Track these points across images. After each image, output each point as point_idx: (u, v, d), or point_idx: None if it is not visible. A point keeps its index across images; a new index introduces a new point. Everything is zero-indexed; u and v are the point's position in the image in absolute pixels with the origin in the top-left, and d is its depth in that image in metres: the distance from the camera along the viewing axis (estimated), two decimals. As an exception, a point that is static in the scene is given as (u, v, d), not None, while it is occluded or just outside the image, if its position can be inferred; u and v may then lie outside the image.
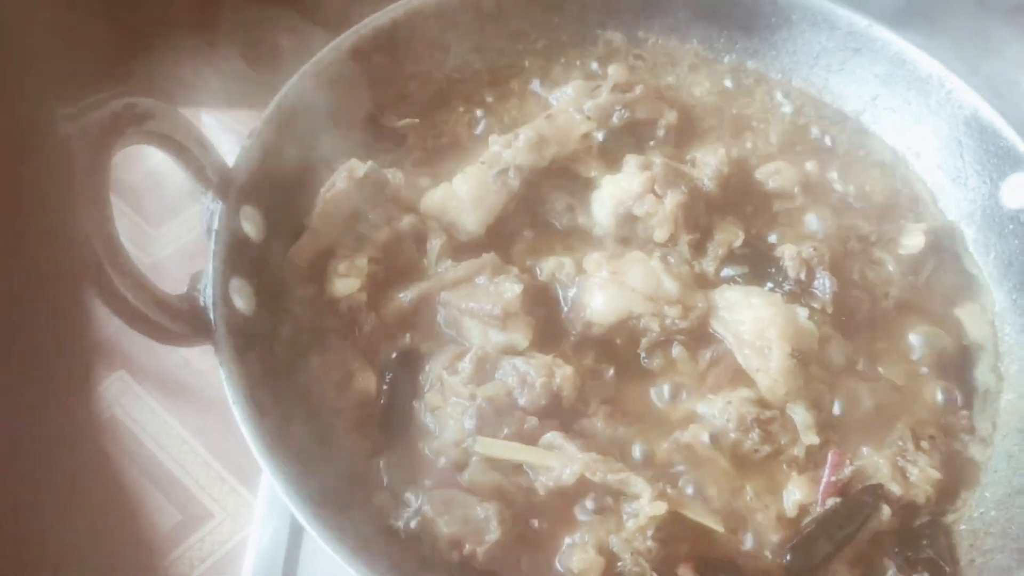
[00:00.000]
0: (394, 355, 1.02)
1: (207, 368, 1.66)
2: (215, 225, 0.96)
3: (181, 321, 0.88)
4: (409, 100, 1.21)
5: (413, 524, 0.92)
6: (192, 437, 1.83)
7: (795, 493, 0.95)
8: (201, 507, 1.76)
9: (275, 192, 1.04)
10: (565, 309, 1.06)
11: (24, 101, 0.33)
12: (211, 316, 0.91)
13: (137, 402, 1.77)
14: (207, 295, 0.92)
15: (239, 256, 0.97)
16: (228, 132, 1.79)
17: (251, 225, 1.00)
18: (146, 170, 1.97)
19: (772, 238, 1.14)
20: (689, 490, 0.95)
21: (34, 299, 0.35)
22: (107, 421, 0.39)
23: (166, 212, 2.07)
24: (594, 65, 1.30)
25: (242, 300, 0.96)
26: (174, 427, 1.83)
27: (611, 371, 1.03)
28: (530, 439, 0.95)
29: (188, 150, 0.94)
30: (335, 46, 1.13)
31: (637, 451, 0.98)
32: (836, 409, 1.01)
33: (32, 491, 0.35)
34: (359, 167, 1.07)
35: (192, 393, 1.89)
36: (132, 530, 0.44)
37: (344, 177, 1.06)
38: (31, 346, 0.35)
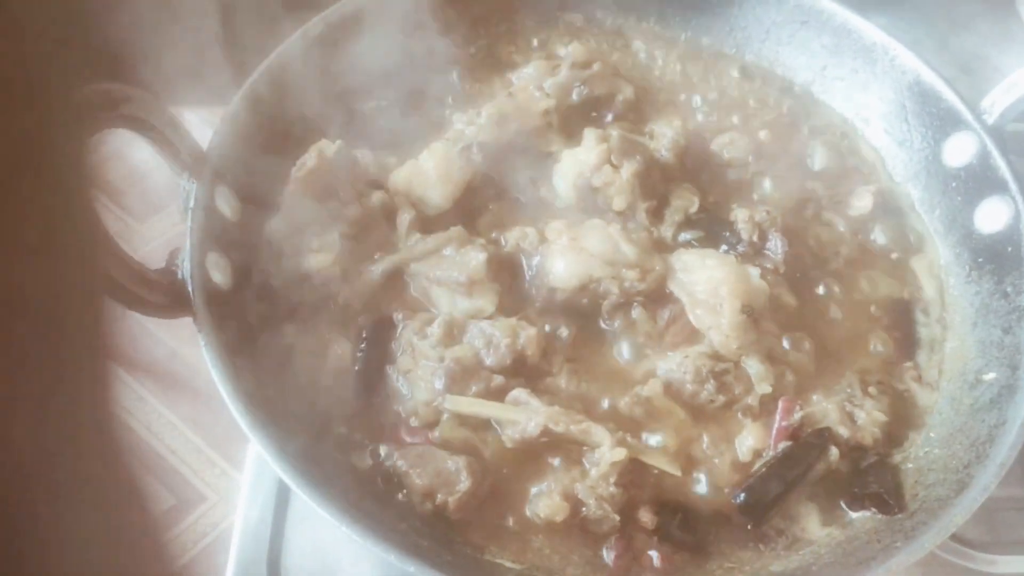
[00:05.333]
0: (367, 324, 1.07)
1: (194, 358, 1.70)
2: (191, 204, 1.01)
3: (160, 293, 0.93)
4: (377, 83, 1.25)
5: (389, 478, 0.97)
6: (183, 424, 1.88)
7: (749, 439, 1.00)
8: (194, 491, 1.81)
9: (248, 172, 1.09)
10: (529, 276, 1.11)
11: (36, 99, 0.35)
12: (189, 289, 0.96)
13: (127, 391, 1.82)
14: (185, 269, 0.97)
15: (215, 233, 1.02)
16: (210, 127, 1.84)
17: (226, 204, 1.05)
18: (130, 166, 2.01)
19: (727, 204, 1.19)
20: (649, 440, 1.01)
21: (49, 295, 0.36)
22: (118, 420, 0.42)
23: (151, 207, 2.11)
24: (555, 46, 1.35)
25: (219, 274, 1.01)
26: (164, 415, 1.87)
27: (574, 332, 1.08)
28: (497, 396, 1.00)
29: (162, 133, 0.98)
30: (303, 32, 1.18)
31: (600, 405, 1.03)
32: (788, 360, 1.06)
33: (42, 489, 0.36)
34: (329, 147, 1.12)
35: (181, 383, 1.93)
36: (138, 520, 0.46)
37: (314, 156, 1.11)
38: (44, 343, 0.36)
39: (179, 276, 0.97)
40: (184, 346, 1.81)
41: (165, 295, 0.94)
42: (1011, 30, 1.72)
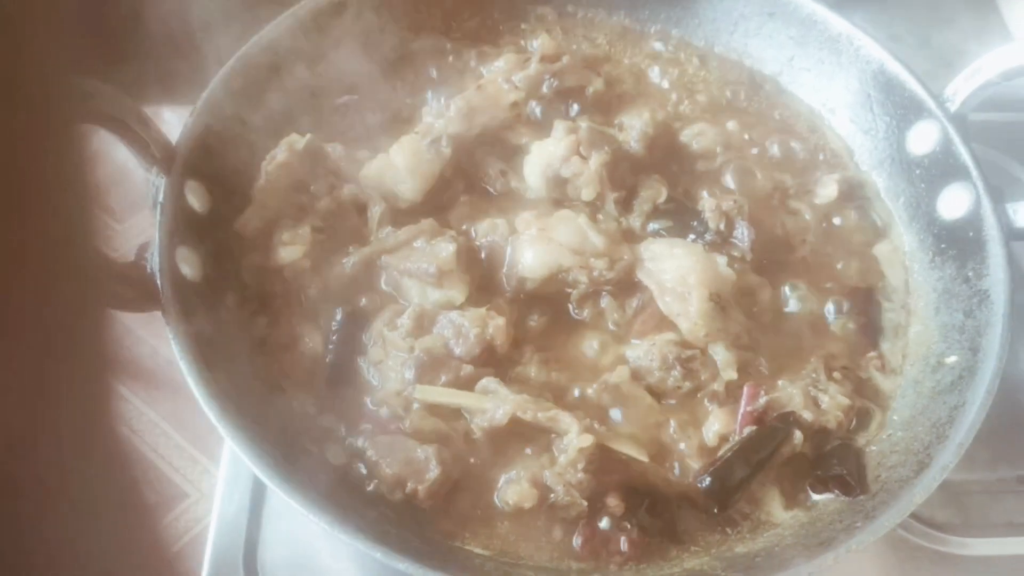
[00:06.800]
0: (338, 316, 1.08)
1: (175, 356, 1.71)
2: (160, 199, 1.02)
3: (128, 286, 0.94)
4: (347, 78, 1.26)
5: (359, 468, 0.98)
6: (165, 422, 1.88)
7: (715, 424, 1.02)
8: (175, 488, 1.81)
9: (218, 166, 1.09)
10: (500, 266, 1.12)
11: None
12: (158, 282, 0.97)
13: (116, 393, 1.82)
14: (153, 262, 0.97)
15: (185, 227, 1.02)
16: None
17: (195, 198, 1.06)
18: (110, 167, 2.01)
19: (696, 194, 1.21)
20: (616, 426, 1.02)
21: (54, 296, 0.36)
22: (120, 426, 0.43)
23: (131, 207, 2.11)
24: (525, 40, 1.36)
25: (189, 268, 1.02)
26: (146, 413, 1.88)
27: (544, 321, 1.09)
28: (466, 385, 1.01)
29: (130, 128, 0.99)
30: (274, 26, 1.18)
31: (570, 394, 1.04)
32: (754, 347, 1.08)
33: (43, 493, 0.37)
34: (299, 140, 1.12)
35: (162, 381, 1.94)
36: (139, 526, 0.47)
37: (284, 150, 1.11)
38: (49, 342, 0.36)
39: (148, 270, 0.98)
40: (165, 344, 1.82)
41: (133, 288, 0.95)
42: (991, 25, 1.74)
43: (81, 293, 0.39)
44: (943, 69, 1.40)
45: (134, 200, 2.07)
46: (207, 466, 1.85)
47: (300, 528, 1.15)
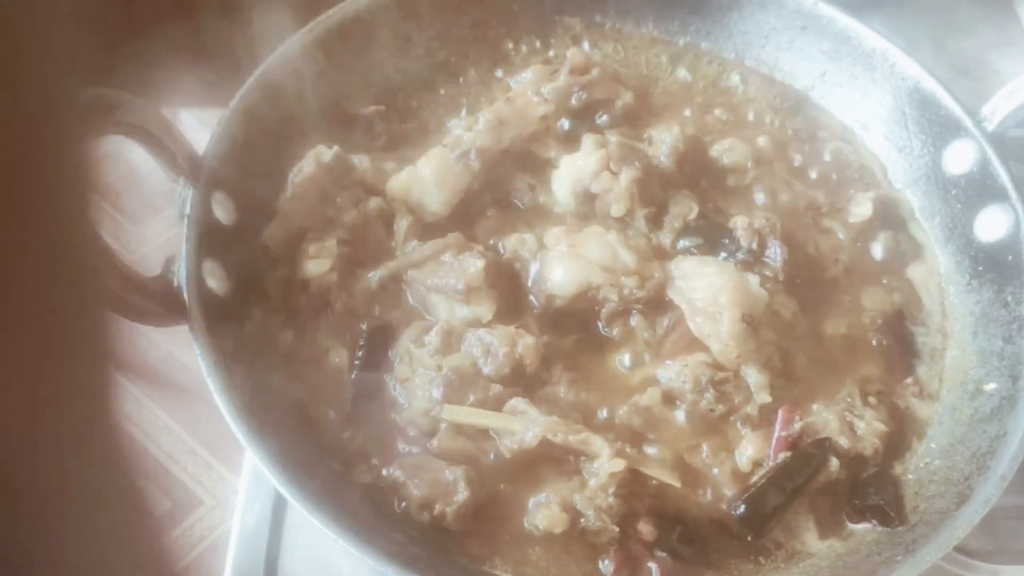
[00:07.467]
0: (364, 332, 1.06)
1: (190, 361, 1.69)
2: (187, 211, 1.00)
3: (155, 301, 0.92)
4: (374, 88, 1.25)
5: (386, 488, 0.96)
6: (179, 427, 1.86)
7: (748, 449, 1.00)
8: (190, 495, 1.80)
9: (245, 178, 1.08)
10: (528, 283, 1.10)
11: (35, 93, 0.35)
12: (185, 296, 0.95)
13: (124, 394, 1.80)
14: (180, 276, 0.96)
15: (211, 239, 1.01)
16: (206, 128, 1.83)
17: (222, 210, 1.04)
18: (126, 169, 2.00)
19: (726, 211, 1.19)
20: (648, 449, 1.00)
21: (53, 296, 0.36)
22: (120, 426, 0.43)
23: (147, 210, 2.10)
24: (553, 51, 1.34)
25: (215, 281, 1.00)
26: (161, 418, 1.86)
27: (573, 340, 1.08)
28: (495, 406, 0.99)
29: (158, 139, 0.97)
30: (300, 37, 1.17)
31: (598, 415, 1.03)
32: (788, 369, 1.06)
33: (45, 495, 0.37)
34: (326, 152, 1.11)
35: (177, 386, 1.92)
36: (139, 525, 0.46)
37: (311, 162, 1.10)
38: (49, 342, 0.36)
39: (174, 284, 0.96)
40: (180, 349, 1.80)
41: (160, 303, 0.93)
42: (1010, 34, 1.71)
43: (81, 293, 0.39)
44: (962, 78, 1.38)
45: (150, 202, 2.05)
46: (222, 472, 1.83)
47: (321, 542, 1.13)
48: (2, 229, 0.33)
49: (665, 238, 1.15)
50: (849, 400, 1.03)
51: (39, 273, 0.35)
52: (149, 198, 2.04)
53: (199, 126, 1.85)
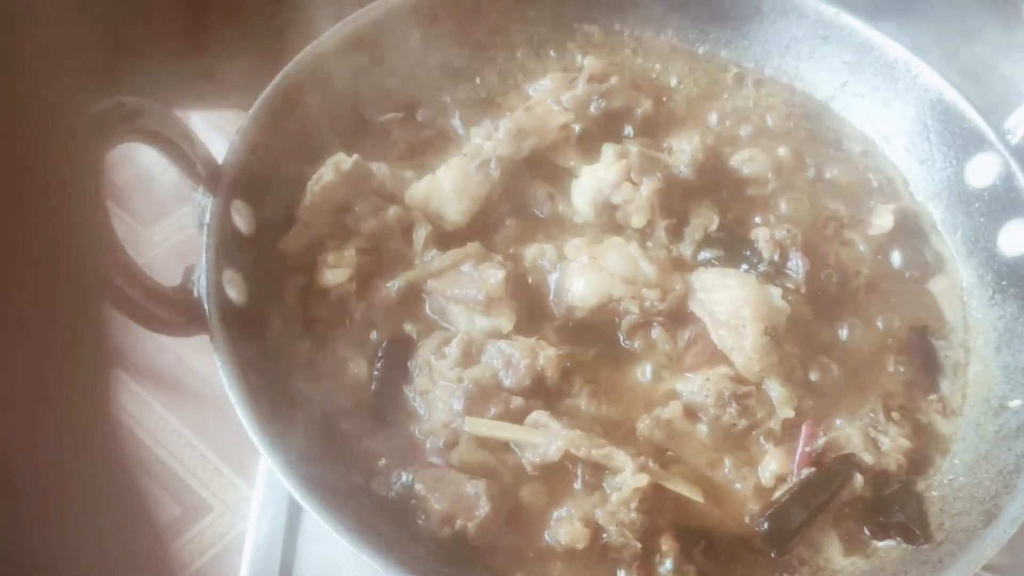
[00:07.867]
0: (384, 343, 1.05)
1: (200, 365, 1.68)
2: (206, 219, 0.99)
3: (176, 311, 0.92)
4: (393, 96, 1.24)
5: (407, 502, 0.95)
6: (189, 432, 1.85)
7: (771, 464, 0.99)
8: (200, 500, 1.79)
9: (264, 186, 1.07)
10: (548, 294, 1.10)
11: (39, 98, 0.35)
12: (205, 306, 0.94)
13: (132, 398, 1.79)
14: (201, 286, 0.95)
15: (231, 248, 1.00)
16: (217, 131, 1.82)
17: (241, 219, 1.04)
18: (136, 171, 1.99)
19: (747, 222, 1.18)
20: (670, 465, 0.99)
21: (54, 297, 0.37)
22: (121, 426, 0.43)
23: (157, 212, 2.09)
24: (571, 59, 1.34)
25: (235, 291, 0.99)
26: (170, 422, 1.85)
27: (594, 353, 1.07)
28: (516, 418, 0.99)
29: (178, 146, 0.97)
30: (317, 45, 1.16)
31: (620, 428, 1.02)
32: (810, 383, 1.05)
33: (47, 496, 0.37)
34: (345, 160, 1.10)
35: (187, 390, 1.91)
36: (140, 525, 0.46)
37: (331, 170, 1.09)
38: (49, 343, 0.36)
39: (195, 294, 0.95)
40: (190, 352, 1.79)
41: (181, 313, 0.93)
42: (1020, 39, 1.70)
43: (82, 293, 0.39)
44: (972, 83, 1.37)
45: (160, 205, 2.04)
46: (232, 478, 1.82)
47: (337, 552, 1.12)
48: (3, 230, 0.33)
49: (686, 249, 1.14)
50: (872, 415, 1.03)
51: (40, 274, 0.35)
52: (158, 201, 2.03)
53: (209, 128, 1.85)
